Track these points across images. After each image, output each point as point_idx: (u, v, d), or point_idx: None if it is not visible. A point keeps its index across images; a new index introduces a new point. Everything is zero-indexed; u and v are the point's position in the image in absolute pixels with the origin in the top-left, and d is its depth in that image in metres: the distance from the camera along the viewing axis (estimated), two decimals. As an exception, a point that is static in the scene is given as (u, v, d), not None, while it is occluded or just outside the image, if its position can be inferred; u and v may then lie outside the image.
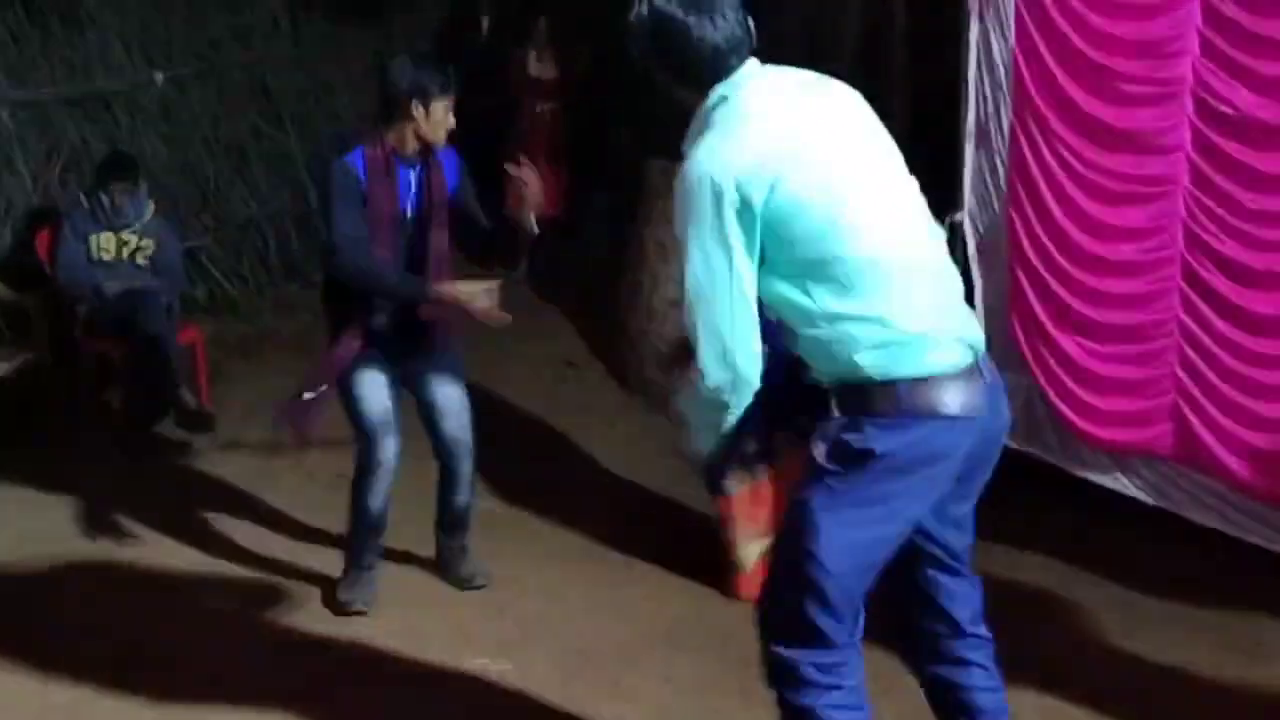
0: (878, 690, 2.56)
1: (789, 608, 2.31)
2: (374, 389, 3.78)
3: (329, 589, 3.98)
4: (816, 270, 2.19)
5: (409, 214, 3.74)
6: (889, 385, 2.20)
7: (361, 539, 3.92)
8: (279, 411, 3.89)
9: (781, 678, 2.36)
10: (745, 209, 2.15)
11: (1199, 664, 3.54)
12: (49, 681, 3.51)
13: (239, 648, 3.71)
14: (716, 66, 2.26)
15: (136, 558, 4.32)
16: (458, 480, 4.01)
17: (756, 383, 2.23)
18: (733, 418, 2.27)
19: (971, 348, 2.32)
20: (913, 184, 2.39)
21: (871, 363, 2.20)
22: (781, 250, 2.19)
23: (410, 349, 3.83)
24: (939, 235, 2.42)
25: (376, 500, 3.85)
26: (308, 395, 3.74)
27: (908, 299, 2.24)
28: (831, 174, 2.22)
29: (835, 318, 2.21)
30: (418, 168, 3.73)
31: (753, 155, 2.17)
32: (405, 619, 3.85)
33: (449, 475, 4.02)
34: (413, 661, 3.61)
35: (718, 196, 2.15)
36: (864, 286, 2.21)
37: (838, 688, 2.34)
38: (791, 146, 2.21)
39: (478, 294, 3.70)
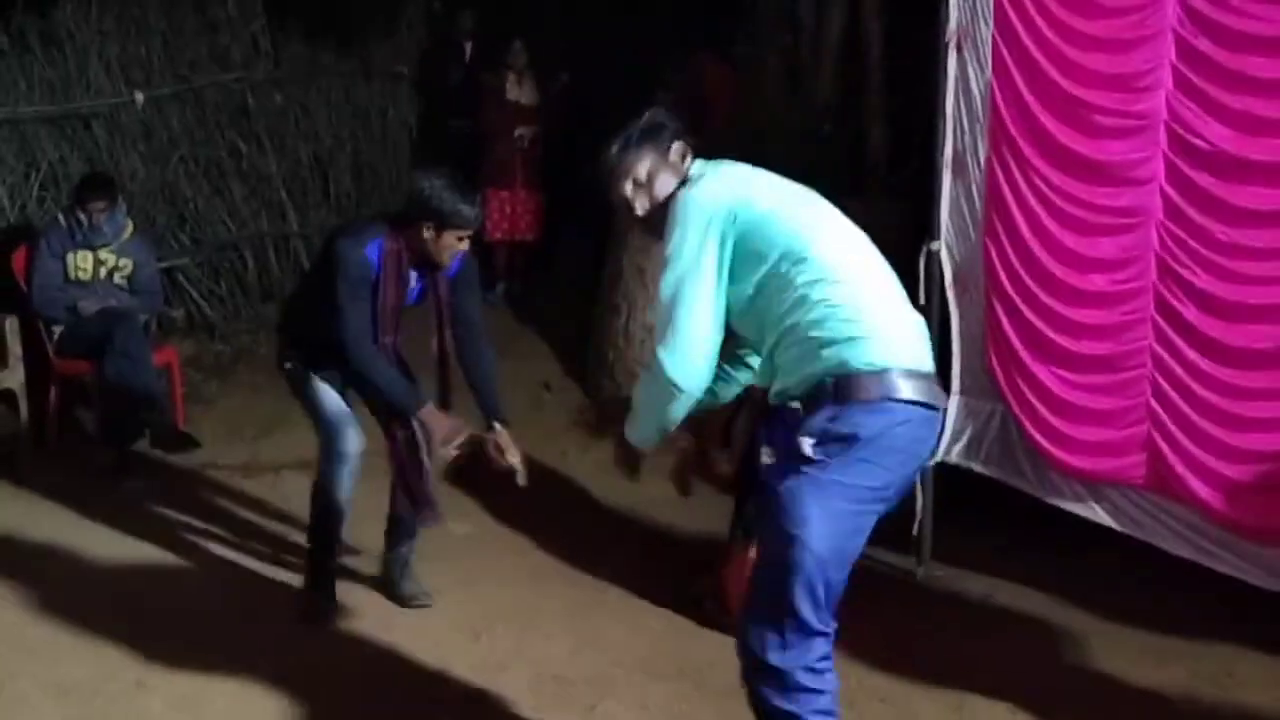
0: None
1: (778, 602, 2.39)
2: (328, 388, 3.91)
3: (303, 604, 3.97)
4: (793, 273, 2.44)
5: (409, 304, 3.83)
6: (874, 373, 2.38)
7: (327, 537, 3.98)
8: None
9: (770, 685, 2.43)
10: (725, 230, 2.47)
11: (1171, 693, 3.56)
12: (16, 705, 3.47)
13: (213, 666, 3.67)
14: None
15: (110, 578, 4.28)
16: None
17: (702, 388, 2.49)
18: (678, 414, 2.50)
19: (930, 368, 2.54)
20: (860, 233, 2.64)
21: (857, 351, 2.39)
22: (759, 265, 2.46)
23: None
24: (896, 280, 2.62)
25: (343, 491, 3.92)
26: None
27: (879, 298, 2.50)
28: (786, 198, 2.57)
29: (817, 316, 2.41)
30: (424, 270, 3.81)
31: (728, 190, 2.52)
32: (378, 642, 3.83)
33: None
34: (388, 685, 3.59)
35: (704, 219, 2.46)
36: (837, 283, 2.44)
37: (822, 692, 2.43)
38: (755, 183, 2.58)
39: (452, 436, 3.81)
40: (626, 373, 5.89)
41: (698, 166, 2.66)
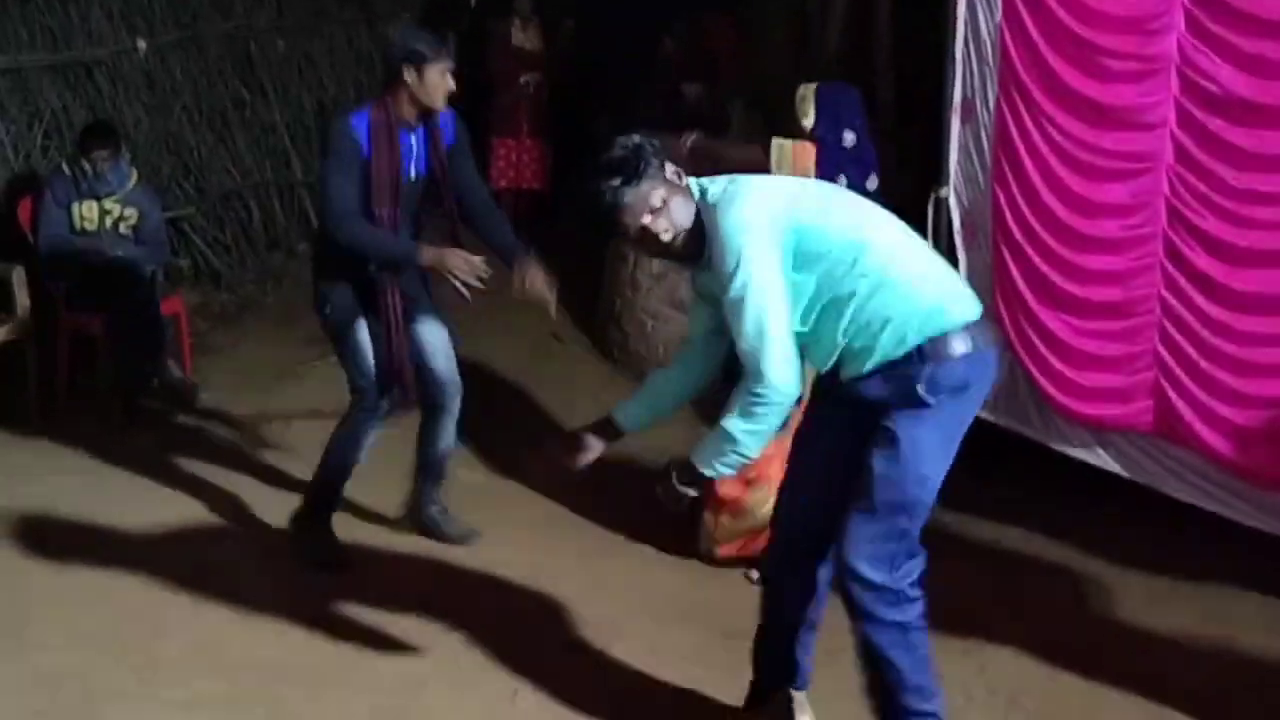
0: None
1: (896, 531, 2.68)
2: (367, 343, 3.90)
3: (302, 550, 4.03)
4: (856, 263, 2.62)
5: (411, 177, 3.81)
6: (957, 330, 2.63)
7: (336, 491, 4.03)
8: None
9: (885, 602, 2.70)
10: (782, 245, 2.60)
11: (1176, 634, 3.60)
12: (41, 651, 3.52)
13: (228, 613, 3.72)
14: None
15: (123, 527, 4.32)
16: (447, 421, 4.08)
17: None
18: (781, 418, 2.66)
19: None
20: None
21: (939, 316, 2.63)
22: (818, 264, 2.62)
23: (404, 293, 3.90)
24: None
25: (360, 453, 3.97)
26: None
27: (931, 264, 2.76)
28: (822, 199, 2.75)
29: (890, 295, 2.62)
30: (420, 132, 3.80)
31: (772, 207, 2.64)
32: (389, 589, 3.86)
33: (440, 416, 4.07)
34: (400, 631, 3.63)
35: (760, 243, 2.57)
36: (894, 261, 2.66)
37: (920, 599, 2.75)
38: (787, 192, 2.73)
39: (464, 268, 3.71)
40: (634, 321, 5.89)
41: (718, 186, 2.71)
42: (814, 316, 2.66)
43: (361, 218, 3.71)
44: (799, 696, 3.07)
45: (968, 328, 2.65)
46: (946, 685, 3.29)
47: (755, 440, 2.65)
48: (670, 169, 2.71)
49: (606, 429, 2.93)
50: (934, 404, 2.62)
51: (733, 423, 2.63)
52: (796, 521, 2.89)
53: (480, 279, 3.72)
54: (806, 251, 2.62)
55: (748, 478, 3.77)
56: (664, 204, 2.66)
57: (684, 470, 2.74)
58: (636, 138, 2.71)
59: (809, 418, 2.91)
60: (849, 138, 3.79)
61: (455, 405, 4.08)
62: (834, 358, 2.69)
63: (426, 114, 3.77)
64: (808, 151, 3.78)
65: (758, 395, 2.59)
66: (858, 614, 2.73)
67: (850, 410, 2.71)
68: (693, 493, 2.77)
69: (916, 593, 2.74)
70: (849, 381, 2.70)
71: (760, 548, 3.60)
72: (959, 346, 2.63)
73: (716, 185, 2.72)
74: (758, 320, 2.57)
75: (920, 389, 2.61)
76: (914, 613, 2.74)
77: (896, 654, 2.72)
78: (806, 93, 3.81)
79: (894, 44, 5.85)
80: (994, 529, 4.32)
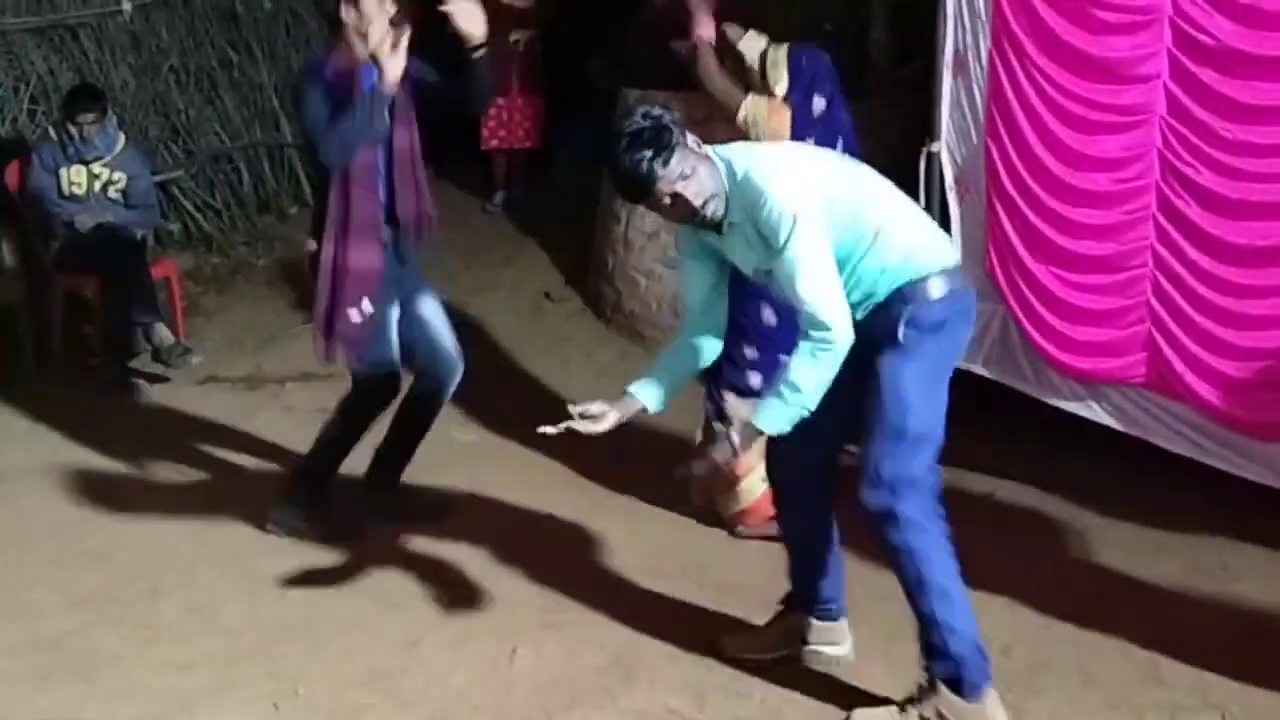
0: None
1: (919, 460, 2.89)
2: (392, 326, 3.85)
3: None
4: (861, 222, 2.84)
5: (386, 122, 3.72)
6: (940, 273, 2.85)
7: (333, 468, 3.97)
8: (334, 340, 3.77)
9: (909, 530, 2.85)
10: (821, 219, 2.79)
11: (1167, 584, 3.62)
12: (40, 614, 3.54)
13: (225, 574, 3.74)
14: None
15: (115, 490, 4.33)
16: (444, 397, 4.04)
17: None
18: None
19: None
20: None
21: (926, 259, 2.86)
22: (835, 227, 2.81)
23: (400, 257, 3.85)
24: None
25: (361, 430, 3.92)
26: (357, 317, 3.73)
27: (915, 215, 2.99)
28: (839, 166, 3.01)
29: (884, 249, 2.84)
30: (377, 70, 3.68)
31: (812, 188, 2.81)
32: (385, 550, 3.88)
33: (440, 391, 4.02)
34: (398, 591, 3.65)
35: (810, 220, 2.76)
36: (891, 217, 2.89)
37: (942, 518, 2.93)
38: (819, 163, 2.97)
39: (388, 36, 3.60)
40: (627, 279, 5.89)
41: (743, 155, 2.88)
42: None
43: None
44: (819, 625, 3.13)
45: (945, 272, 2.86)
46: (940, 637, 3.34)
47: (818, 389, 2.77)
48: (691, 138, 2.85)
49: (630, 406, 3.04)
50: (913, 340, 2.83)
51: (799, 374, 2.76)
52: (806, 448, 2.97)
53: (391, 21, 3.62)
54: (829, 219, 2.80)
55: None
56: (693, 171, 2.80)
57: (748, 433, 2.82)
58: (658, 109, 2.86)
59: None
60: (818, 104, 3.80)
61: (454, 384, 4.03)
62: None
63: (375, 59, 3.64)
64: (782, 113, 3.77)
65: (823, 342, 2.75)
66: (880, 520, 2.87)
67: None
68: (747, 448, 2.87)
69: (934, 523, 2.90)
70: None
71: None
72: (936, 289, 2.84)
73: (740, 154, 2.88)
74: (817, 277, 2.75)
75: (900, 328, 2.82)
76: (933, 538, 2.89)
77: (921, 558, 2.86)
78: (778, 57, 3.80)
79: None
80: (987, 482, 4.34)
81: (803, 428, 2.81)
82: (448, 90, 3.85)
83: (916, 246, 2.87)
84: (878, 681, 3.11)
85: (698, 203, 2.81)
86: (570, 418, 2.96)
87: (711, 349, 3.07)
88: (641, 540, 3.96)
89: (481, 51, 3.73)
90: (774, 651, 3.20)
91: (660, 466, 4.35)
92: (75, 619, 3.50)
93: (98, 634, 3.43)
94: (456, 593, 3.63)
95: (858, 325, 2.81)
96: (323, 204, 3.78)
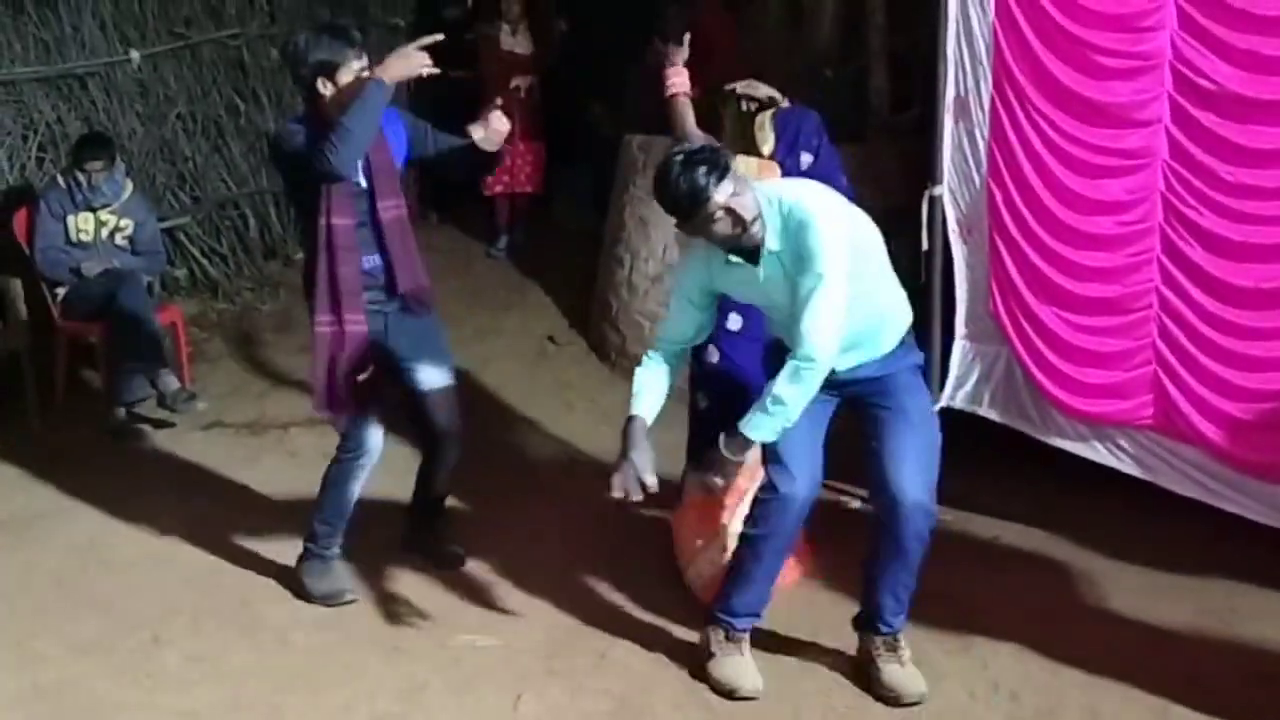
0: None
1: (934, 465, 3.32)
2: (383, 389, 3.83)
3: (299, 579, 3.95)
4: (866, 269, 3.15)
5: (362, 186, 3.65)
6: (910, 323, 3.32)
7: (337, 524, 3.90)
8: (329, 401, 3.73)
9: (931, 523, 3.29)
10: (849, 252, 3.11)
11: (1176, 628, 3.60)
12: (42, 662, 3.51)
13: (228, 622, 3.72)
14: None
15: (117, 538, 4.31)
16: (440, 470, 4.04)
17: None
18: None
19: None
20: None
21: (906, 313, 3.30)
22: (855, 268, 3.11)
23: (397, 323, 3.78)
24: None
25: (358, 486, 3.86)
26: (360, 376, 3.70)
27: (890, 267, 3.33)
28: (857, 217, 3.22)
29: (883, 297, 3.22)
30: None
31: (845, 222, 3.14)
32: (391, 593, 3.87)
33: (436, 463, 4.02)
34: (405, 635, 3.63)
35: (842, 247, 3.05)
36: (884, 268, 3.24)
37: None
38: (846, 211, 3.21)
39: (417, 58, 3.57)
40: (631, 323, 5.90)
41: (787, 192, 3.16)
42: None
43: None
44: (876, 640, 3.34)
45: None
46: (949, 681, 3.32)
47: (800, 403, 3.06)
48: (735, 165, 3.14)
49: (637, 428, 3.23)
50: (919, 379, 3.33)
51: (784, 389, 3.04)
52: (801, 482, 3.26)
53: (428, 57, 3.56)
54: (851, 257, 3.10)
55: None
56: (743, 191, 3.07)
57: (735, 444, 3.10)
58: (713, 142, 3.30)
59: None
60: (805, 159, 3.90)
61: (452, 456, 3.99)
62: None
63: None
64: (772, 170, 3.86)
65: (809, 363, 3.03)
66: (923, 537, 3.24)
67: (829, 393, 3.21)
68: (742, 459, 3.13)
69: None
70: (848, 369, 3.20)
71: None
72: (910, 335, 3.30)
73: (781, 186, 3.23)
74: (831, 305, 3.03)
75: (915, 370, 3.29)
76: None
77: (918, 568, 3.30)
78: (764, 121, 3.88)
79: (887, 37, 5.86)
80: (993, 525, 4.32)
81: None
82: (450, 168, 3.85)
83: (904, 298, 3.25)
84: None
85: (749, 217, 3.04)
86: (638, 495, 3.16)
87: (674, 377, 3.31)
88: (647, 587, 3.94)
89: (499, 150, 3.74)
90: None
91: (663, 511, 4.37)
92: (77, 667, 3.48)
93: (100, 683, 3.40)
94: (460, 639, 3.60)
95: (863, 367, 3.15)
96: (311, 267, 3.68)
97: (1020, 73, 4.03)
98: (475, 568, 4.05)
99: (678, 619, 3.69)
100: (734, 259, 3.14)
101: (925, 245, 4.26)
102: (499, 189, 7.45)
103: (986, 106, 4.15)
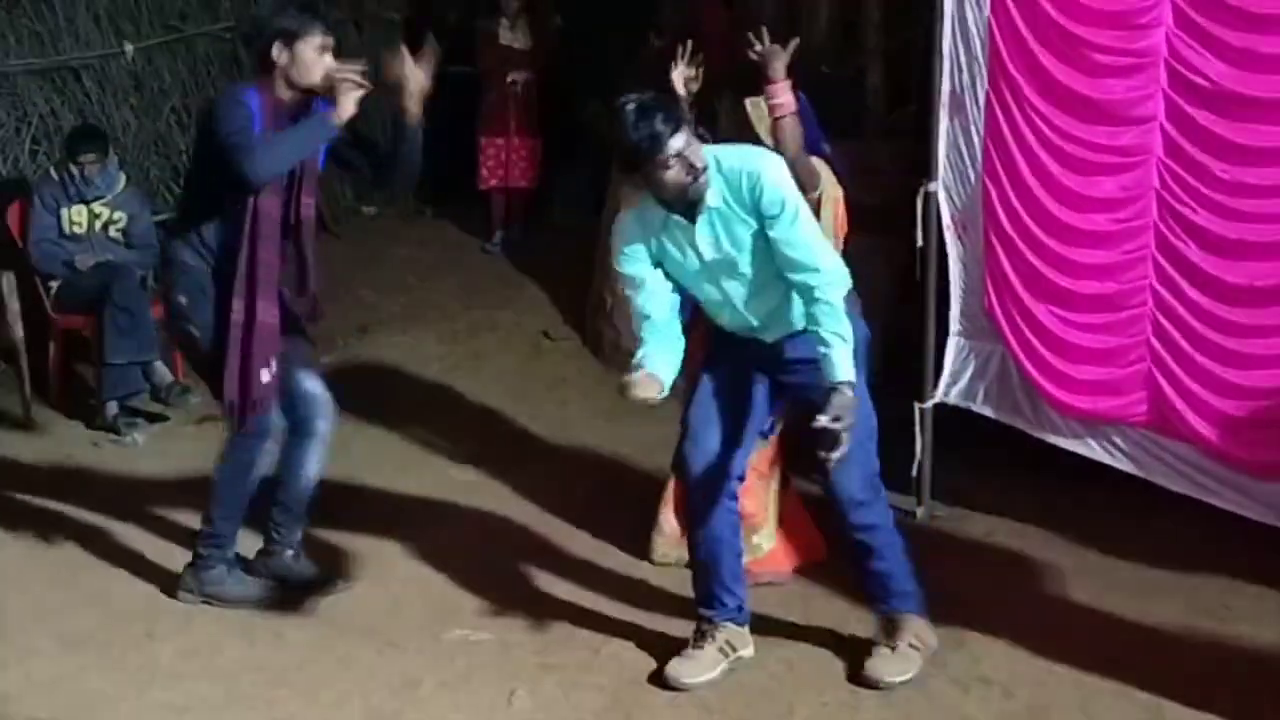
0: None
1: (871, 454, 3.30)
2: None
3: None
4: None
5: (294, 172, 3.53)
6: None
7: (238, 519, 3.76)
8: (243, 398, 3.58)
9: (876, 513, 3.33)
10: None
11: (1169, 626, 3.60)
12: (35, 657, 3.51)
13: (221, 617, 3.71)
14: None
15: (111, 532, 4.31)
16: (315, 446, 3.76)
17: None
18: None
19: None
20: None
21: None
22: None
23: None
24: None
25: (260, 468, 3.72)
26: (267, 376, 3.57)
27: None
28: None
29: None
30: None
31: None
32: (384, 589, 3.87)
33: (307, 440, 3.75)
34: (397, 630, 3.63)
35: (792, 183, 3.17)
36: None
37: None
38: None
39: (353, 74, 3.42)
40: (625, 318, 5.87)
41: (724, 148, 3.21)
42: (772, 274, 3.17)
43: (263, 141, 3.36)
44: (738, 630, 3.39)
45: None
46: (941, 677, 3.33)
47: (847, 322, 3.09)
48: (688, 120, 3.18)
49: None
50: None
51: (834, 324, 3.07)
52: (712, 459, 3.30)
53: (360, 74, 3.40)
54: None
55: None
56: (693, 144, 3.08)
57: (844, 394, 3.01)
58: (666, 97, 3.23)
59: (712, 374, 3.34)
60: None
61: (327, 427, 3.75)
62: (766, 313, 3.22)
63: (307, 98, 3.47)
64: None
65: (830, 286, 3.09)
66: (868, 526, 3.29)
67: (746, 366, 3.29)
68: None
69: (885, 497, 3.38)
70: (775, 342, 3.27)
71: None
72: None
73: (717, 148, 3.19)
74: (814, 229, 3.14)
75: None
76: (889, 514, 3.37)
77: (889, 550, 3.33)
78: (759, 101, 3.87)
79: (882, 34, 5.86)
80: (987, 522, 4.33)
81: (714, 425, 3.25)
82: (371, 167, 3.68)
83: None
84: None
85: (700, 165, 3.05)
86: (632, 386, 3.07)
87: (678, 355, 3.21)
88: (642, 580, 3.95)
89: (414, 125, 3.52)
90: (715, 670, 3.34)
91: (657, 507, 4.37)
92: (71, 662, 3.48)
93: (94, 677, 3.40)
94: (454, 635, 3.60)
95: (791, 341, 3.24)
96: (228, 256, 3.53)
97: (1016, 69, 4.03)
98: (468, 563, 4.04)
99: (674, 614, 3.69)
100: (675, 217, 3.14)
101: (920, 242, 4.26)
102: (494, 183, 7.45)
103: (982, 103, 4.15)
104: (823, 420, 2.95)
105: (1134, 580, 3.89)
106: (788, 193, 3.09)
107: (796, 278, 3.11)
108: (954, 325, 4.35)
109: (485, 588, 3.88)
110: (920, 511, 4.39)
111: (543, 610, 3.73)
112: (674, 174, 3.05)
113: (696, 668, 3.31)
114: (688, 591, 3.82)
